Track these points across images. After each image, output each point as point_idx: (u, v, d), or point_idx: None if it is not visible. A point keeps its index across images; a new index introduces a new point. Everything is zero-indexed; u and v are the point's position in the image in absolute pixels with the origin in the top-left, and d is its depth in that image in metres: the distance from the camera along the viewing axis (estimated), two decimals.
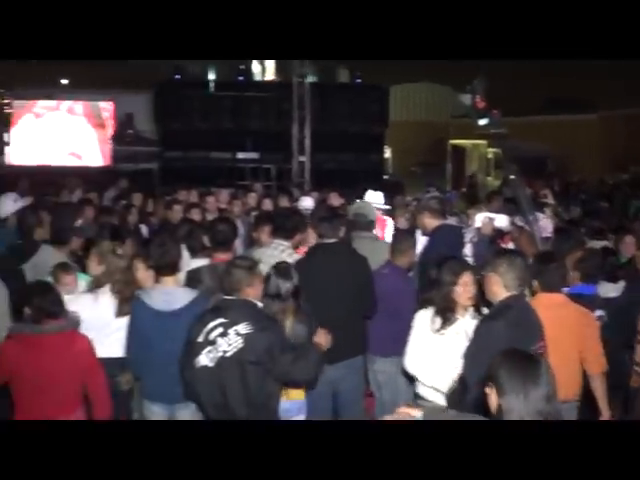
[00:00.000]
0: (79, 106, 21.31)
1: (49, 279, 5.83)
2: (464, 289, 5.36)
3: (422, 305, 5.62)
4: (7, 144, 21.13)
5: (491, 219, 7.32)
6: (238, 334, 4.81)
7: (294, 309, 5.55)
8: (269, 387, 4.94)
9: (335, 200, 10.47)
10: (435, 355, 5.37)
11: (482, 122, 10.19)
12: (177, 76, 20.77)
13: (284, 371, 4.89)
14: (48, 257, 6.38)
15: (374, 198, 8.94)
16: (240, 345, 4.78)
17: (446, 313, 5.38)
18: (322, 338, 5.34)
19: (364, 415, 6.35)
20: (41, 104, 21.10)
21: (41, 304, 4.97)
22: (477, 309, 5.49)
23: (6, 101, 22.57)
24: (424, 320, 5.51)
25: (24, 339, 4.90)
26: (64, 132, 21.04)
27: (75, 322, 5.24)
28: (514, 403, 3.05)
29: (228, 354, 4.80)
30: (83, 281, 5.69)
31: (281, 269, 5.63)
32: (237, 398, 4.81)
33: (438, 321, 5.41)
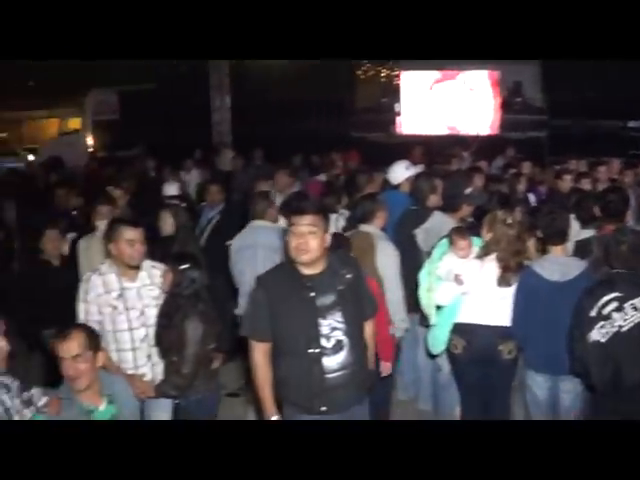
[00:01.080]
0: (481, 75, 21.25)
1: (439, 246, 6.00)
2: None
3: None
4: (398, 114, 21.89)
5: None
6: (635, 308, 4.60)
7: None
8: None
9: None
10: None
11: None
12: None
13: None
14: (440, 223, 6.54)
15: None
16: (638, 320, 4.58)
17: None
18: None
19: None
20: (434, 74, 21.46)
21: None
22: None
23: (395, 73, 23.45)
24: None
25: None
26: (457, 102, 21.23)
27: None
28: None
29: (624, 329, 4.61)
30: (476, 247, 5.75)
31: None
32: (632, 375, 4.62)
33: None
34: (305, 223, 4.30)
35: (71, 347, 3.96)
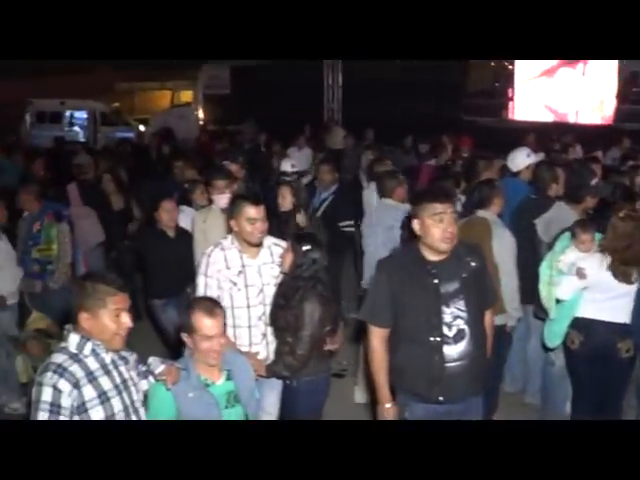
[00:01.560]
0: (604, 64, 20.63)
1: (562, 239, 5.85)
2: None
3: None
4: (511, 99, 21.53)
5: None
6: None
7: None
8: None
9: None
10: None
11: None
12: None
13: None
14: (561, 214, 6.38)
15: None
16: None
17: None
18: None
19: None
20: (550, 61, 20.93)
21: None
22: None
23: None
24: None
25: None
26: (573, 90, 20.72)
27: None
28: None
29: None
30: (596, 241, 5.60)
31: None
32: None
33: None
34: (451, 211, 4.24)
35: (218, 324, 3.98)
